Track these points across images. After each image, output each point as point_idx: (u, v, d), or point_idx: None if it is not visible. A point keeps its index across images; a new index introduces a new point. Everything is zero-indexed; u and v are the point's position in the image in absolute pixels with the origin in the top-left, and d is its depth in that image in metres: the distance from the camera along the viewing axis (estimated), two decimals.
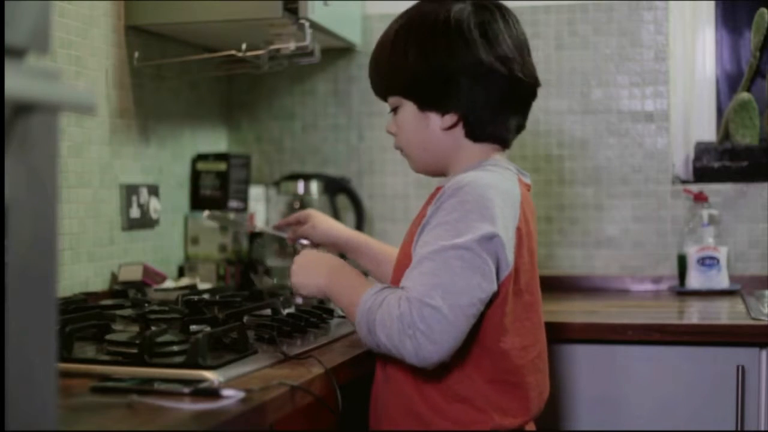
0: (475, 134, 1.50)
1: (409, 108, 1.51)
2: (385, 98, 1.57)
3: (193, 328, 1.54)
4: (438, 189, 1.51)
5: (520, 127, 1.56)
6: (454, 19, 1.47)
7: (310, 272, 1.53)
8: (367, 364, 1.52)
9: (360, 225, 2.68)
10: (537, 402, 1.50)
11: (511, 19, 1.52)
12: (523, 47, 1.52)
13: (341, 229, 1.90)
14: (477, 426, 1.42)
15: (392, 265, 1.72)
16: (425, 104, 1.50)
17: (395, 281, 1.48)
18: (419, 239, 1.41)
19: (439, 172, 1.57)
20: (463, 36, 1.46)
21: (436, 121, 1.50)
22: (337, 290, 1.48)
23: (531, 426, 1.51)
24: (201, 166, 2.59)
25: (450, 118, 1.49)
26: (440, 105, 1.49)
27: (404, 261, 1.47)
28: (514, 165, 1.54)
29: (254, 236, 2.47)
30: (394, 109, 1.55)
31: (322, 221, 1.90)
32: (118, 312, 1.66)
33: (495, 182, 1.43)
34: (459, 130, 1.50)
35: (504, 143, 1.54)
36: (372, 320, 1.37)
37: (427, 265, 1.35)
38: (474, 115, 1.48)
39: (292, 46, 2.23)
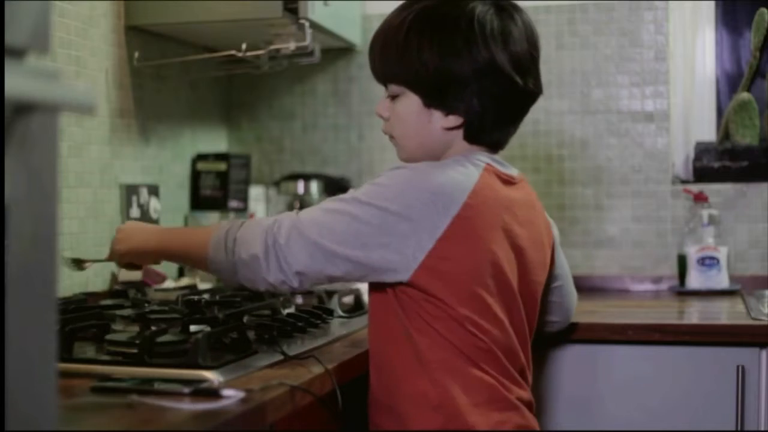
0: (473, 138, 1.48)
1: (413, 100, 1.48)
2: (385, 83, 1.53)
3: (193, 328, 1.54)
4: None
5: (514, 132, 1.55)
6: (476, 19, 1.44)
7: (136, 237, 1.58)
8: (367, 364, 1.52)
9: None
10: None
11: (529, 24, 1.50)
12: (537, 55, 1.50)
13: None
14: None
15: None
16: (432, 101, 1.47)
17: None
18: None
19: None
20: (484, 39, 1.43)
21: (438, 119, 1.47)
22: (173, 240, 1.54)
23: (535, 425, 1.51)
24: (201, 166, 2.59)
25: (454, 120, 1.46)
26: (447, 105, 1.46)
27: None
28: (492, 157, 1.49)
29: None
30: (393, 96, 1.51)
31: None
32: (118, 312, 1.66)
33: (436, 172, 1.41)
34: (459, 132, 1.48)
35: (495, 148, 1.52)
36: (232, 239, 1.42)
37: (332, 205, 1.42)
38: (478, 121, 1.46)
39: (292, 46, 2.23)
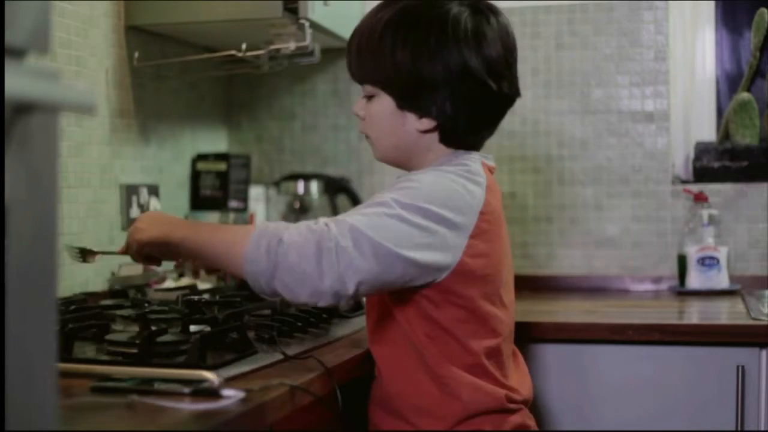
0: (449, 141, 1.48)
1: (386, 101, 1.47)
2: (360, 83, 1.51)
3: (193, 328, 1.54)
4: None
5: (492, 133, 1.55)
6: (450, 21, 1.42)
7: (159, 227, 1.39)
8: (367, 364, 1.52)
9: None
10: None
11: (505, 27, 1.48)
12: (513, 59, 1.49)
13: None
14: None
15: None
16: (405, 103, 1.45)
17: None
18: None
19: (402, 166, 1.53)
20: (457, 41, 1.42)
21: (413, 121, 1.46)
22: (203, 234, 1.35)
23: (532, 425, 1.51)
24: (201, 166, 2.59)
25: (427, 122, 1.45)
26: (420, 107, 1.45)
27: None
28: (480, 153, 1.51)
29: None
30: (368, 96, 1.50)
31: None
32: (118, 312, 1.66)
33: (453, 175, 1.41)
34: (434, 135, 1.47)
35: (475, 149, 1.52)
36: (277, 240, 1.27)
37: (374, 209, 1.33)
38: (452, 125, 1.45)
39: (292, 46, 2.23)
